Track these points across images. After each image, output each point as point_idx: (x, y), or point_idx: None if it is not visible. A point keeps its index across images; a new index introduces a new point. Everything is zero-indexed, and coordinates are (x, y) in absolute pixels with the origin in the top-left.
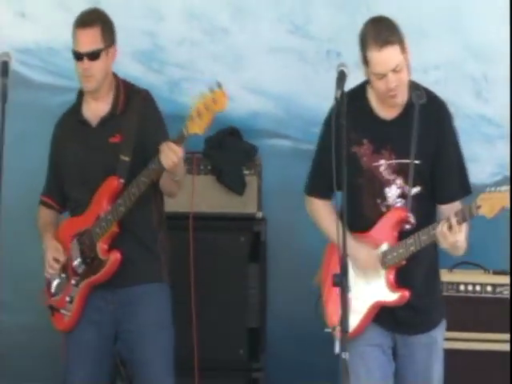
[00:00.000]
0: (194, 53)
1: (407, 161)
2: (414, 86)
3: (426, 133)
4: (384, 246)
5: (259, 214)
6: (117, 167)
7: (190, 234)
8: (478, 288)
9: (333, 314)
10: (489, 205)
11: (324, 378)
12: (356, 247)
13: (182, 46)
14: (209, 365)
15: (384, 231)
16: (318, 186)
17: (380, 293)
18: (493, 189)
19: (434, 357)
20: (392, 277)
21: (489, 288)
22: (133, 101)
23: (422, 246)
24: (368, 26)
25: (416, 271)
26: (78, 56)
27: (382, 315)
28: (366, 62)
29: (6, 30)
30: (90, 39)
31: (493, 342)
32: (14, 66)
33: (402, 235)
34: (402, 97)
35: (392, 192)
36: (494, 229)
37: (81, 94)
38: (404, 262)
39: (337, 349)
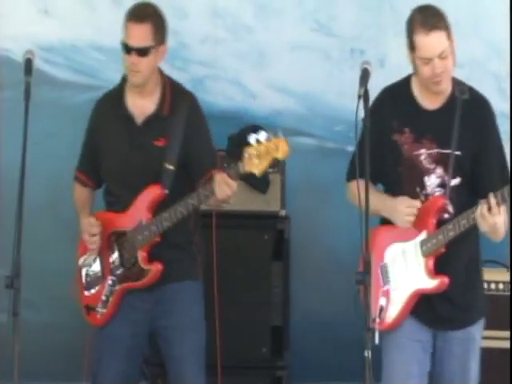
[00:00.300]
0: (217, 51)
1: (448, 151)
2: (457, 82)
3: (468, 127)
4: (423, 235)
5: (283, 212)
6: (161, 175)
7: (213, 231)
8: (501, 286)
9: (372, 305)
10: None
11: (348, 376)
12: (393, 203)
13: (205, 44)
14: (232, 363)
15: (423, 220)
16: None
17: (419, 281)
18: None
19: (471, 353)
20: (431, 263)
21: None
22: (179, 103)
23: (462, 231)
24: (415, 12)
25: (457, 265)
26: (128, 49)
27: (421, 310)
28: (412, 47)
29: (30, 28)
30: (142, 35)
31: None
32: (38, 64)
33: (441, 225)
34: (447, 84)
35: (431, 181)
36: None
37: (125, 80)
38: (443, 250)
39: (376, 340)
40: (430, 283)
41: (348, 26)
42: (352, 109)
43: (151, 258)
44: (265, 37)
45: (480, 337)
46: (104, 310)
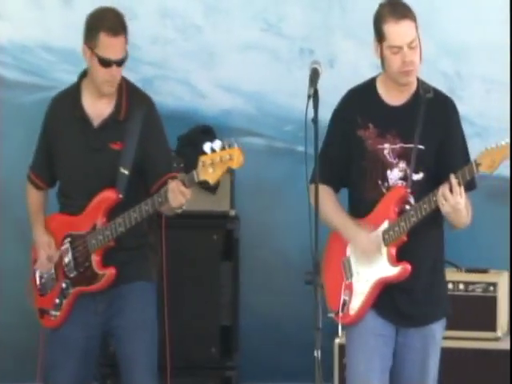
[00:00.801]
0: (167, 51)
1: (411, 145)
2: (422, 81)
3: (431, 123)
4: (385, 225)
5: (232, 212)
6: (116, 179)
7: (163, 231)
8: (450, 286)
9: (334, 298)
10: (489, 160)
11: (297, 377)
12: (356, 232)
13: (155, 45)
14: (181, 363)
15: (385, 210)
16: (323, 174)
17: (381, 269)
18: (492, 146)
19: (430, 350)
20: (394, 251)
21: (461, 286)
22: (136, 108)
23: (424, 215)
24: (384, 5)
25: (422, 260)
26: (108, 63)
27: (383, 307)
28: (381, 37)
29: None
30: (120, 47)
31: (464, 340)
32: None
33: None
34: (414, 78)
35: (394, 174)
36: (466, 227)
37: (83, 76)
38: (405, 238)
39: (339, 333)
40: (393, 270)
41: (297, 26)
42: (302, 109)
43: (105, 262)
44: (214, 37)
45: (440, 336)
46: (57, 313)
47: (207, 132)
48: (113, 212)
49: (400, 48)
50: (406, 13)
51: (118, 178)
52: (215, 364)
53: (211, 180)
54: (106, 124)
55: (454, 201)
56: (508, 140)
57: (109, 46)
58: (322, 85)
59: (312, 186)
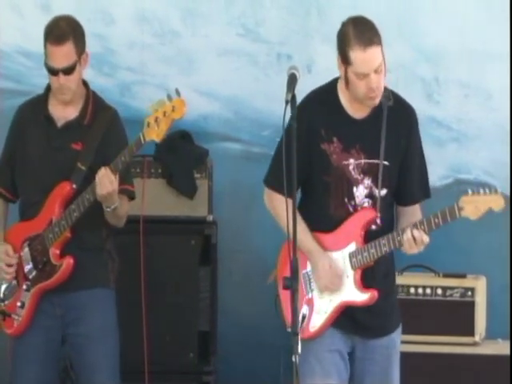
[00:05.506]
0: (144, 56)
1: (376, 161)
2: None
3: (394, 135)
4: (352, 246)
5: (210, 218)
6: (72, 173)
7: (141, 237)
8: (428, 291)
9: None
10: (473, 207)
11: (275, 381)
12: (319, 257)
13: (132, 50)
14: (159, 368)
15: (352, 231)
16: (279, 179)
17: (348, 293)
18: (475, 191)
19: (393, 359)
20: (359, 276)
21: (439, 291)
22: (101, 116)
23: (395, 247)
24: (349, 25)
25: (377, 274)
26: (54, 71)
27: (341, 319)
28: (347, 61)
29: None
30: (65, 55)
31: (442, 345)
32: None
33: (367, 235)
34: (379, 99)
35: (359, 191)
36: (444, 232)
37: (49, 89)
38: (372, 263)
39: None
40: (360, 297)
41: (275, 31)
42: (279, 114)
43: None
44: (192, 42)
45: (399, 342)
46: (20, 318)
47: (185, 137)
48: (68, 206)
49: (366, 75)
50: (372, 38)
51: (75, 172)
52: (193, 369)
53: (156, 137)
54: (69, 126)
55: (418, 249)
56: (496, 190)
57: (53, 55)
58: (299, 90)
59: (268, 191)
